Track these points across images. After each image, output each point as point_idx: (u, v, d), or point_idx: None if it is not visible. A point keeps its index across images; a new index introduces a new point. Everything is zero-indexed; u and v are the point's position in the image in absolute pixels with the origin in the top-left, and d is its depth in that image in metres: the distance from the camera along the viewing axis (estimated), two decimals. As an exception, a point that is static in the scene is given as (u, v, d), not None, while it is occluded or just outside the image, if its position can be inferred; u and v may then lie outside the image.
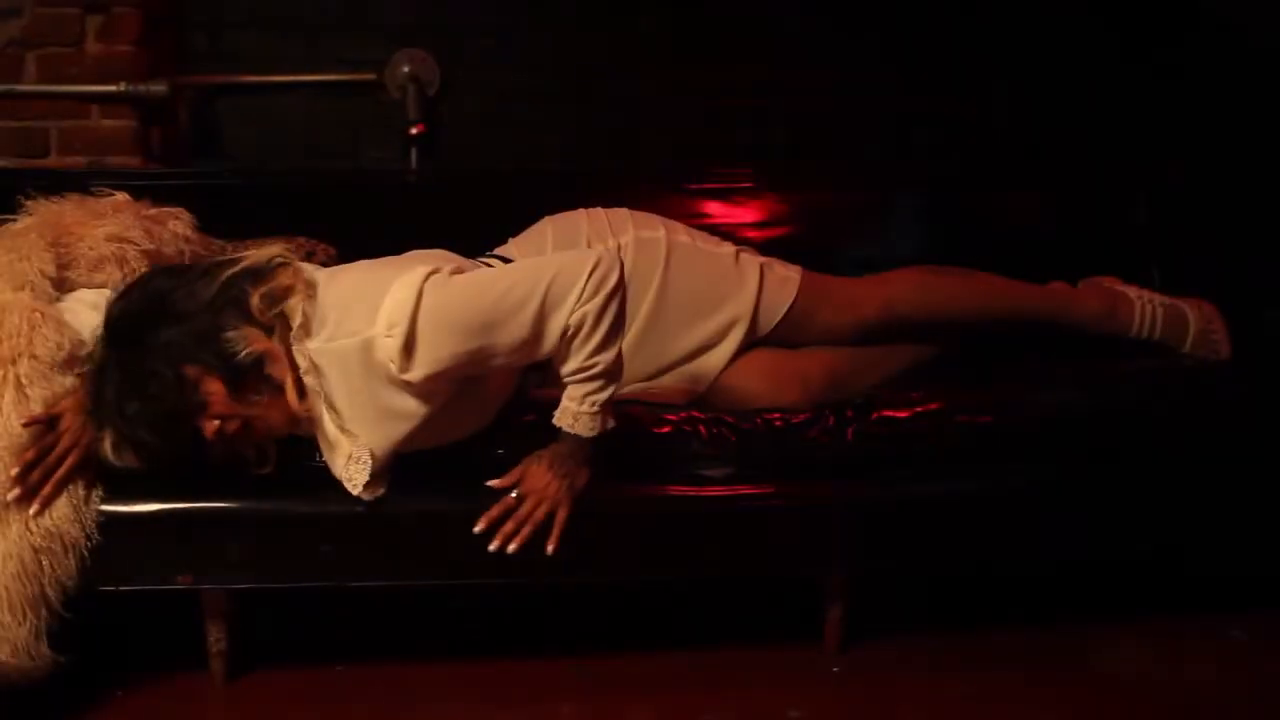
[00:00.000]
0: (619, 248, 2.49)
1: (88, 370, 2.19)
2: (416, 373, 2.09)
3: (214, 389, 2.09)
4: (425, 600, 2.67)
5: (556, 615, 2.69)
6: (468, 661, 2.49)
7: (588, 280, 2.11)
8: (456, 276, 2.15)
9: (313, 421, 2.19)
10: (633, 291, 2.46)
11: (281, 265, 2.16)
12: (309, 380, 2.15)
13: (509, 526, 2.24)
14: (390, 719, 2.33)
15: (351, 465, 2.20)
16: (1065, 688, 2.43)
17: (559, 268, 2.13)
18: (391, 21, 3.47)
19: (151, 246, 2.39)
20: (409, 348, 2.08)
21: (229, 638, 2.37)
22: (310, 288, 2.15)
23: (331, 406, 2.17)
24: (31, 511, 2.13)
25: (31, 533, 2.13)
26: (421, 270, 2.11)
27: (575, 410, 2.20)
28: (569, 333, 2.12)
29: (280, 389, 2.13)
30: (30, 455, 2.13)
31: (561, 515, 2.25)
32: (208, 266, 2.17)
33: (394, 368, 2.09)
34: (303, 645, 2.53)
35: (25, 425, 2.12)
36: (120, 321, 2.12)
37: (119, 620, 2.35)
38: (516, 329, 2.11)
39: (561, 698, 2.38)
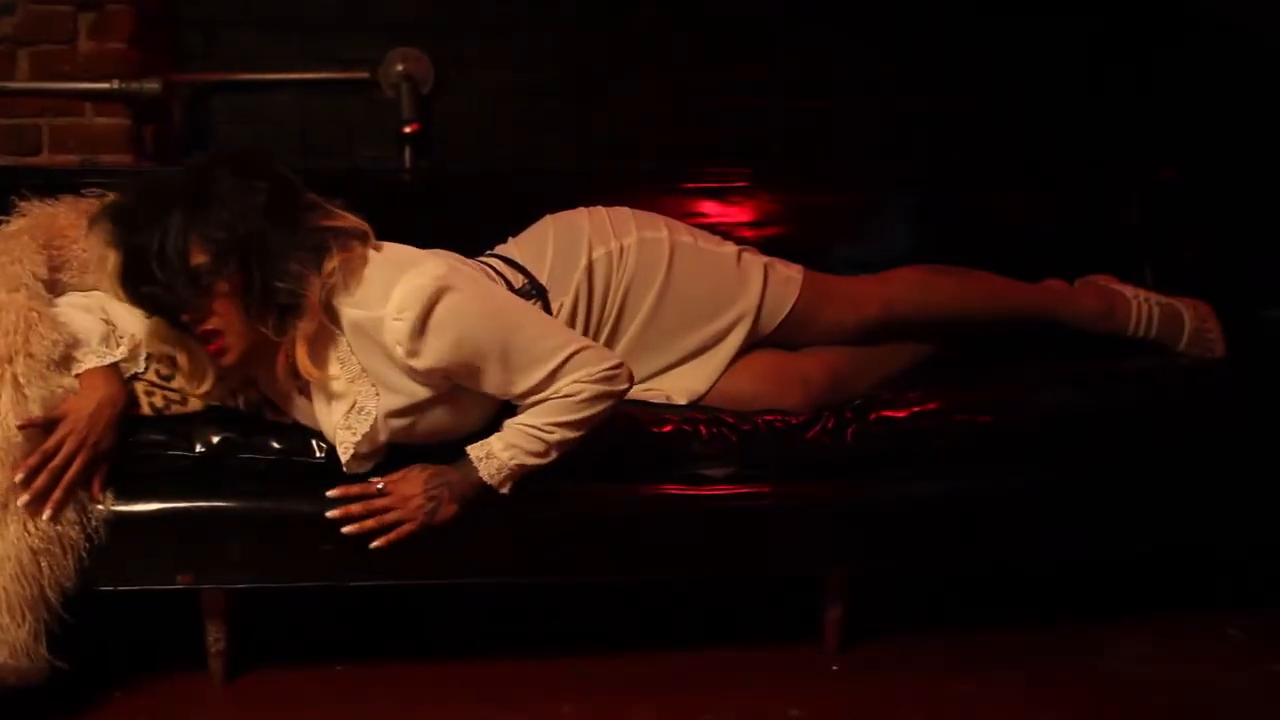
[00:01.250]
0: (621, 249, 2.49)
1: (145, 181, 2.17)
2: (423, 361, 2.11)
3: (235, 289, 2.07)
4: (425, 600, 2.66)
5: (556, 615, 2.68)
6: (468, 661, 2.48)
7: (605, 369, 2.17)
8: (494, 294, 2.20)
9: (306, 379, 2.19)
10: (635, 292, 2.47)
11: (364, 241, 2.18)
12: (327, 325, 2.16)
13: (356, 508, 2.22)
14: (390, 719, 2.31)
15: (354, 415, 2.19)
16: (1065, 687, 2.44)
17: (587, 344, 2.20)
18: (386, 20, 3.46)
19: None
20: (418, 333, 2.09)
21: (228, 638, 2.36)
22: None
23: (353, 351, 2.18)
24: (45, 516, 2.11)
25: (30, 534, 2.11)
26: (442, 264, 2.13)
27: (495, 450, 2.20)
28: (558, 395, 2.16)
29: (286, 337, 2.13)
30: (33, 461, 2.11)
31: (405, 529, 2.22)
32: (313, 202, 2.17)
33: (401, 351, 2.10)
34: (302, 645, 2.51)
35: (21, 428, 2.11)
36: (214, 173, 2.10)
37: (117, 620, 2.33)
38: (529, 375, 2.16)
39: (561, 698, 2.36)
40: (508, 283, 2.40)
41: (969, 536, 2.50)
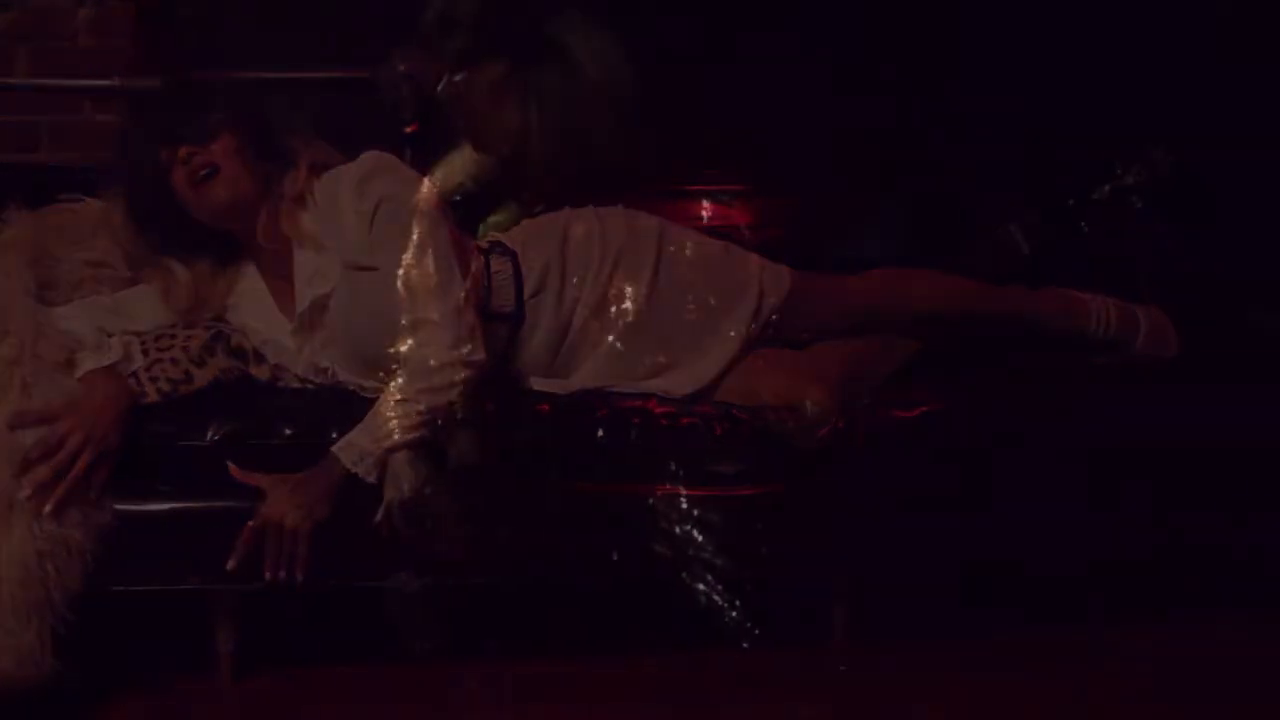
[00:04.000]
0: (603, 231, 2.51)
1: None
2: (367, 198, 2.33)
3: (243, 138, 2.36)
4: (431, 602, 2.66)
5: (556, 615, 2.68)
6: (475, 663, 2.48)
7: (459, 344, 2.25)
8: (433, 199, 2.37)
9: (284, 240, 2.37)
10: (624, 272, 2.48)
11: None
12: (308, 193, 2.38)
13: (272, 560, 2.19)
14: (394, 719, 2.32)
15: (317, 278, 2.35)
16: (1070, 688, 2.45)
17: (467, 308, 2.30)
18: (387, 19, 3.44)
19: (129, 274, 2.41)
20: (369, 174, 2.36)
21: (238, 639, 2.36)
22: None
23: (321, 213, 2.36)
24: (47, 510, 2.10)
25: (36, 536, 2.11)
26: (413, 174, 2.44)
27: (355, 439, 2.21)
28: (415, 359, 2.23)
29: (283, 195, 2.37)
30: (35, 452, 2.11)
31: (302, 550, 2.19)
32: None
33: (352, 182, 2.36)
34: (309, 646, 2.51)
35: (13, 427, 2.12)
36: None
37: (125, 621, 2.32)
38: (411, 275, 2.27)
39: (562, 698, 2.37)
40: (478, 246, 2.46)
41: (972, 537, 2.52)
